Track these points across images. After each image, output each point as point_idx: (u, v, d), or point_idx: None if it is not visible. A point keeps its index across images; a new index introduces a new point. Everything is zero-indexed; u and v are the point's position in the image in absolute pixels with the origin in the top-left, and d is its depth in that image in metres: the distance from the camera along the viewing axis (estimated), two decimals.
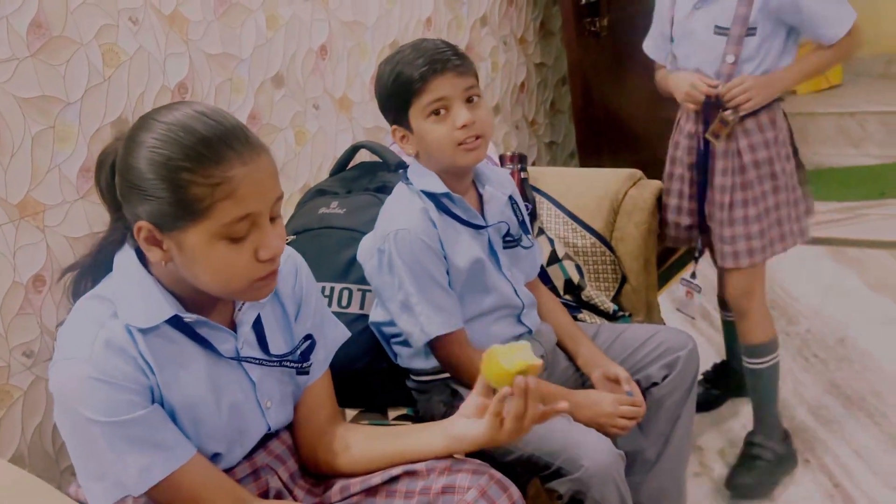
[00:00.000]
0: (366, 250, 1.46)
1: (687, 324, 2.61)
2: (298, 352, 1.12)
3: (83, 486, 0.97)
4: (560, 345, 1.57)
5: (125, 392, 0.94)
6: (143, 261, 1.01)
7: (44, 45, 1.49)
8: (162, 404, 0.99)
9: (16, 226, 1.46)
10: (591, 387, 1.50)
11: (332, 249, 1.58)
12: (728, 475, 1.90)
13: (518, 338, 1.50)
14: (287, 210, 1.82)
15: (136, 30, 1.66)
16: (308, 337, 1.13)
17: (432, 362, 1.45)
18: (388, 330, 1.48)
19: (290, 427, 1.18)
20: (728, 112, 1.70)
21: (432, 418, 1.46)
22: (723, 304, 2.11)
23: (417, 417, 1.53)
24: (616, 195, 1.97)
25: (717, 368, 2.22)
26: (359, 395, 1.58)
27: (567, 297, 1.87)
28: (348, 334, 1.26)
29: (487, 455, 1.21)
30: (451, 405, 1.45)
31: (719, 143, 1.74)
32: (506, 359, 1.03)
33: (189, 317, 1.00)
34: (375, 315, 1.48)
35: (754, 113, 1.73)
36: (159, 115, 0.96)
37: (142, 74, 1.67)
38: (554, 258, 1.89)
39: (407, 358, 1.48)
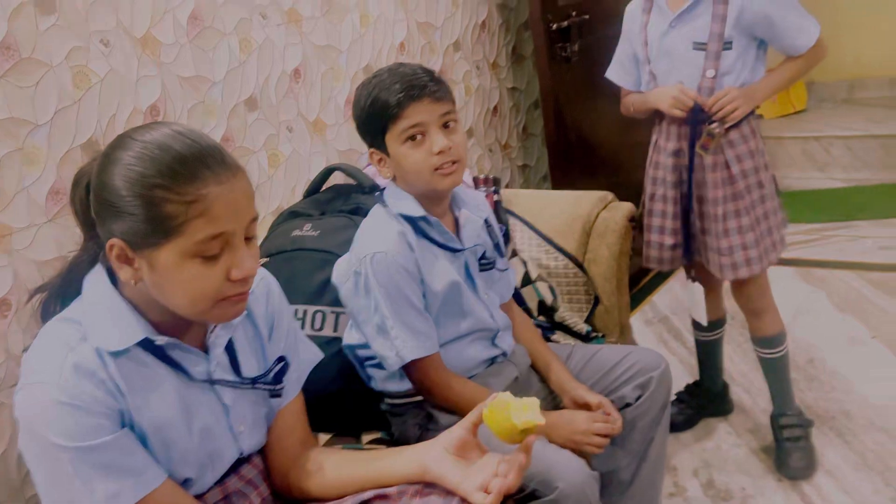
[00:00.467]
0: (341, 272, 1.45)
1: (660, 344, 2.64)
2: (271, 374, 1.10)
3: None
4: (533, 366, 1.57)
5: (94, 416, 0.93)
6: (114, 282, 1.00)
7: (13, 67, 1.48)
8: (132, 428, 0.97)
9: None
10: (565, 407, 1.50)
11: (305, 272, 1.57)
12: (778, 464, 1.97)
13: (493, 359, 1.50)
14: (260, 232, 1.81)
15: (107, 52, 1.65)
16: (281, 359, 1.12)
17: (406, 385, 1.44)
18: (362, 353, 1.47)
19: (263, 451, 1.17)
20: (714, 125, 1.75)
21: (406, 442, 1.45)
22: (697, 324, 2.13)
23: (392, 441, 1.52)
24: (588, 217, 1.99)
25: (690, 388, 2.23)
26: (332, 418, 1.56)
27: (541, 318, 1.87)
28: (321, 355, 1.25)
29: None
30: (425, 428, 1.45)
31: (708, 155, 1.79)
32: (516, 414, 1.02)
33: (160, 339, 0.99)
34: (349, 338, 1.48)
35: (737, 124, 1.78)
36: (136, 133, 0.96)
37: (113, 97, 1.66)
38: (527, 280, 1.90)
39: (381, 381, 1.48)
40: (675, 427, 2.12)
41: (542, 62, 2.64)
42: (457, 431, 1.07)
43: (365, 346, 1.43)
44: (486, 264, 1.50)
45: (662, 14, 1.79)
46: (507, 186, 2.94)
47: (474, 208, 1.51)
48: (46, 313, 1.04)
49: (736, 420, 2.21)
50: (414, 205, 1.40)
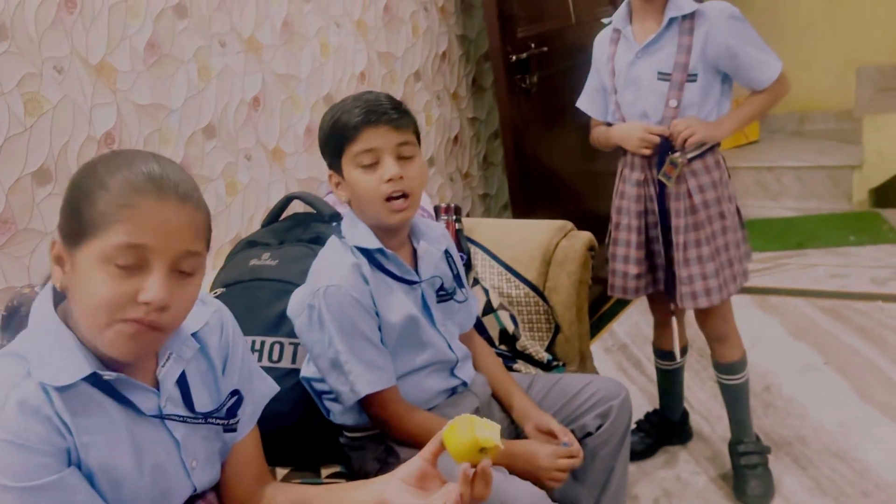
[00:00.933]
0: (296, 305, 1.43)
1: (619, 372, 2.65)
2: (225, 408, 1.08)
3: None
4: (494, 396, 1.57)
5: (39, 455, 0.89)
6: (56, 305, 0.97)
7: None
8: (79, 467, 0.93)
9: None
10: (526, 437, 1.49)
11: (262, 302, 1.54)
12: (736, 491, 1.99)
13: (454, 390, 1.49)
14: (217, 261, 1.78)
15: (60, 79, 1.62)
16: (235, 392, 1.10)
17: (364, 418, 1.42)
18: (319, 386, 1.44)
19: (217, 488, 1.13)
20: (677, 154, 1.79)
21: (366, 475, 1.42)
22: (658, 352, 2.15)
23: (351, 475, 1.49)
24: (548, 246, 2.00)
25: (650, 417, 2.24)
26: (290, 452, 1.53)
27: (502, 347, 1.87)
28: (277, 388, 1.22)
29: None
30: (385, 462, 1.42)
31: (671, 183, 1.82)
32: (480, 431, 1.01)
33: (108, 375, 0.96)
34: (307, 370, 1.45)
35: (701, 155, 1.82)
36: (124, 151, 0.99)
37: (66, 124, 1.63)
38: (489, 308, 1.89)
39: (339, 414, 1.45)
40: (636, 455, 2.12)
41: (501, 93, 2.67)
42: (416, 463, 1.05)
43: (322, 379, 1.41)
44: (444, 296, 1.49)
45: (629, 45, 1.83)
46: (467, 215, 2.95)
47: (433, 239, 1.50)
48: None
49: (695, 448, 2.22)
50: (370, 236, 1.39)
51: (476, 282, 1.98)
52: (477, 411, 1.50)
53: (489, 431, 1.00)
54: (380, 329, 1.38)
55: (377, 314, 1.37)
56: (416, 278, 1.43)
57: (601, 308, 3.10)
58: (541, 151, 2.82)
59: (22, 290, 1.37)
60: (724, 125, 1.82)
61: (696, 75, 1.77)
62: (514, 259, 2.01)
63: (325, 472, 1.55)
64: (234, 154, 2.04)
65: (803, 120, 4.71)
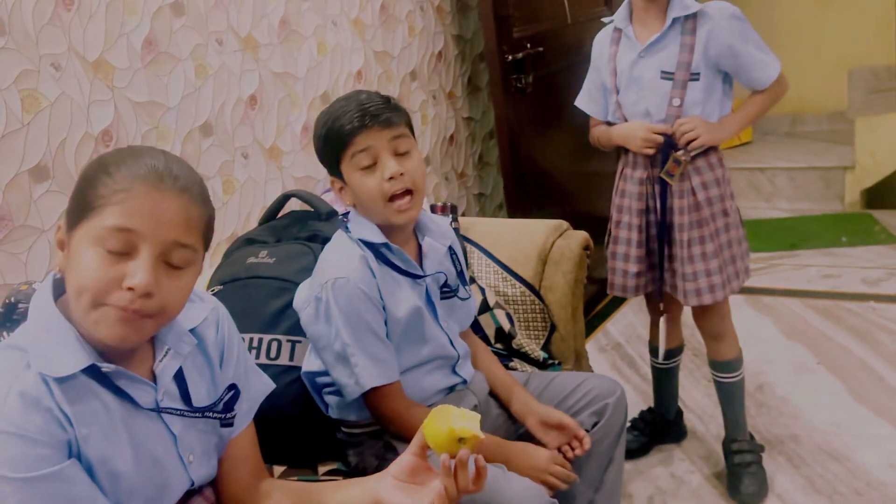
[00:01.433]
0: (302, 298, 1.43)
1: (613, 371, 2.66)
2: (222, 402, 1.08)
3: None
4: (492, 394, 1.57)
5: (39, 446, 0.89)
6: (56, 297, 0.98)
7: None
8: (79, 459, 0.93)
9: None
10: (525, 435, 1.50)
11: (260, 300, 1.54)
12: (730, 490, 2.00)
13: (453, 387, 1.49)
14: (214, 260, 1.79)
15: (58, 76, 1.62)
16: (232, 387, 1.10)
17: (364, 414, 1.42)
18: (320, 380, 1.45)
19: (214, 483, 1.14)
20: (680, 152, 1.81)
21: (364, 472, 1.42)
22: (653, 351, 2.16)
23: (348, 471, 1.49)
24: (544, 245, 2.00)
25: (644, 415, 2.25)
26: (287, 449, 1.53)
27: (498, 345, 1.87)
28: (273, 386, 1.23)
29: None
30: (383, 458, 1.43)
31: (674, 181, 1.84)
32: (455, 420, 1.01)
33: (107, 367, 0.96)
34: (309, 365, 1.45)
35: (704, 152, 1.84)
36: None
37: (63, 121, 1.63)
38: (485, 307, 1.90)
39: (338, 409, 1.45)
40: (630, 454, 2.13)
41: (497, 93, 2.68)
42: (405, 458, 1.06)
43: (324, 373, 1.41)
44: (447, 292, 1.50)
45: (631, 45, 1.84)
46: (463, 215, 2.96)
47: (438, 235, 1.51)
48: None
49: (689, 447, 2.24)
50: (375, 231, 1.39)
51: (472, 280, 1.98)
52: (475, 409, 1.51)
53: (466, 422, 1.01)
54: (385, 323, 1.38)
55: (383, 307, 1.38)
56: (420, 272, 1.44)
57: (596, 307, 3.11)
58: (536, 151, 2.83)
59: (19, 286, 1.38)
60: (727, 126, 1.83)
61: (698, 74, 1.78)
62: (510, 258, 2.01)
63: (322, 469, 1.55)
64: (231, 152, 2.04)
65: (796, 121, 4.73)
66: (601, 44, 1.94)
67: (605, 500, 1.55)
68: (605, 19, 1.96)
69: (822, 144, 4.36)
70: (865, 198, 3.92)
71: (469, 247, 2.05)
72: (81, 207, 0.94)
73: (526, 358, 1.87)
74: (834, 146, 4.26)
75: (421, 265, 1.45)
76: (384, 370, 1.36)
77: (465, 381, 1.51)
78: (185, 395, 1.05)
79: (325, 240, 1.56)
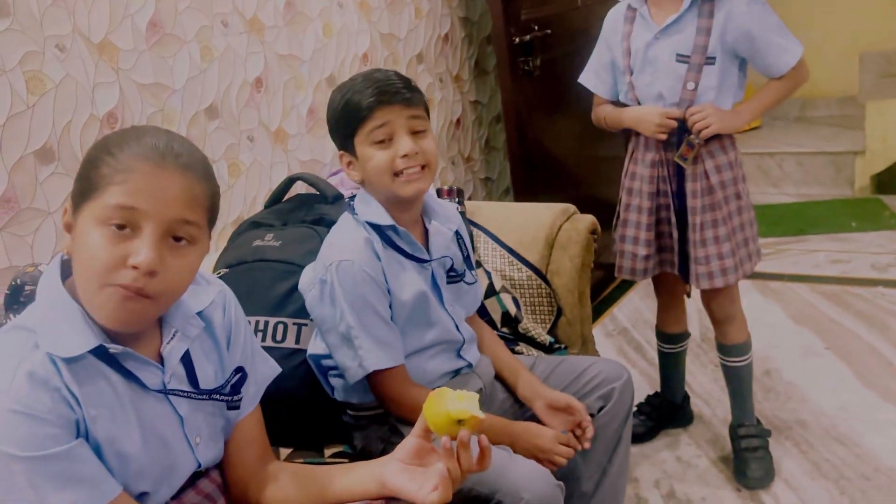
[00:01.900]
0: (307, 280, 1.43)
1: (620, 356, 2.66)
2: (229, 385, 1.08)
3: None
4: (498, 377, 1.57)
5: (48, 426, 0.89)
6: (67, 288, 0.97)
7: None
8: (87, 439, 0.94)
9: None
10: (531, 419, 1.49)
11: (266, 283, 1.54)
12: (736, 474, 1.99)
13: (458, 371, 1.49)
14: (220, 243, 1.78)
15: (63, 57, 1.61)
16: (239, 369, 1.10)
17: (370, 397, 1.42)
18: (326, 362, 1.45)
19: (221, 466, 1.14)
20: (693, 135, 1.79)
21: (370, 455, 1.43)
22: (661, 335, 2.15)
23: (354, 454, 1.50)
24: (551, 229, 1.99)
25: (651, 400, 2.25)
26: (293, 432, 1.53)
27: (504, 329, 1.87)
28: (279, 370, 1.23)
29: None
30: (388, 441, 1.43)
31: (687, 165, 1.82)
32: (452, 403, 1.01)
33: (114, 348, 0.96)
34: (314, 347, 1.45)
35: (718, 136, 1.82)
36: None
37: (69, 103, 1.62)
38: (491, 291, 1.89)
39: (344, 392, 1.45)
40: (636, 438, 2.13)
41: (504, 76, 2.66)
42: (410, 441, 1.06)
43: (329, 356, 1.41)
44: (454, 276, 1.49)
45: (647, 25, 1.81)
46: (469, 199, 2.94)
47: (445, 219, 1.50)
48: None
49: (695, 431, 2.23)
50: (382, 213, 1.39)
51: (479, 264, 1.98)
52: (480, 393, 1.50)
53: (464, 403, 1.00)
54: (390, 306, 1.38)
55: (388, 291, 1.37)
56: (426, 256, 1.43)
57: (603, 292, 3.10)
58: (543, 135, 2.81)
59: (25, 269, 1.38)
60: (741, 114, 1.81)
61: (714, 58, 1.76)
62: (516, 242, 2.00)
63: (328, 451, 1.55)
64: (237, 135, 2.03)
65: (806, 106, 4.69)
66: (614, 22, 1.90)
67: (612, 483, 1.55)
68: None
69: (832, 129, 4.32)
70: (875, 183, 3.89)
71: (475, 231, 2.04)
72: (85, 188, 0.94)
73: (532, 342, 1.86)
74: (844, 131, 4.23)
75: (427, 249, 1.45)
76: (388, 353, 1.36)
77: (470, 365, 1.51)
78: (193, 378, 1.05)
79: (331, 223, 1.55)
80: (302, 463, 1.44)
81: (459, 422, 1.00)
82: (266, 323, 1.50)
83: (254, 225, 1.68)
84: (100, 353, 0.95)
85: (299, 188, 1.76)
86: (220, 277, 1.41)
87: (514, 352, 1.70)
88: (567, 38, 2.81)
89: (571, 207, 2.07)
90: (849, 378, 2.39)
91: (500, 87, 2.71)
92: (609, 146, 2.92)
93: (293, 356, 1.48)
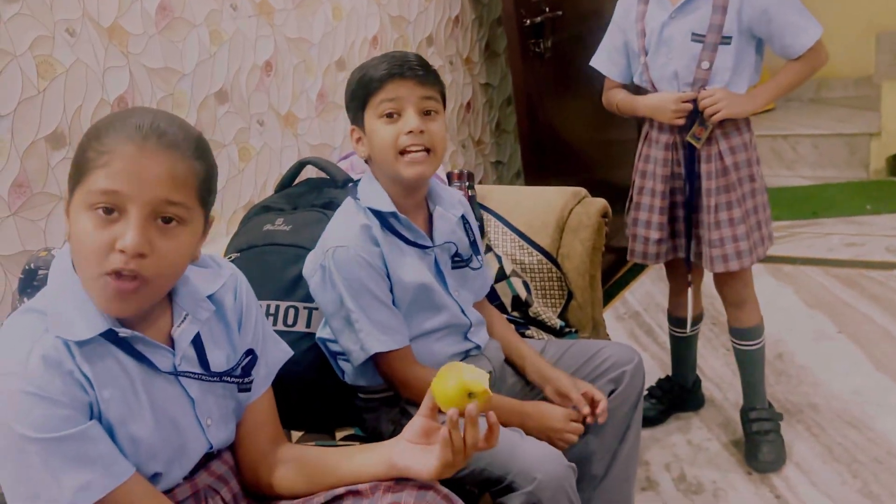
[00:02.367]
0: (310, 266, 1.44)
1: (631, 339, 2.65)
2: (240, 367, 1.09)
3: None
4: (508, 361, 1.57)
5: (62, 407, 0.90)
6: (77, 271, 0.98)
7: None
8: (100, 420, 0.95)
9: None
10: (542, 399, 1.50)
11: (277, 267, 1.55)
12: (748, 457, 1.99)
13: (467, 353, 1.49)
14: (231, 227, 1.79)
15: (73, 42, 1.61)
16: (249, 352, 1.10)
17: (379, 380, 1.43)
18: (334, 346, 1.45)
19: (233, 448, 1.15)
20: (704, 116, 1.77)
21: (380, 437, 1.44)
22: (673, 320, 2.15)
23: (365, 437, 1.50)
24: (562, 213, 1.99)
25: (662, 384, 2.25)
26: (305, 414, 1.54)
27: (514, 313, 1.87)
28: (291, 353, 1.23)
29: None
30: (399, 423, 1.43)
31: (700, 144, 1.81)
32: (467, 374, 1.01)
33: (124, 332, 0.97)
34: (323, 331, 1.46)
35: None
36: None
37: (79, 88, 1.63)
38: (502, 275, 1.89)
39: (354, 375, 1.46)
40: (647, 422, 2.13)
41: (515, 58, 2.64)
42: (417, 421, 1.07)
43: (336, 339, 1.42)
44: (458, 262, 1.49)
45: (662, 5, 1.79)
46: (480, 182, 2.93)
47: (450, 205, 1.49)
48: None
49: (706, 415, 2.23)
50: (384, 199, 1.38)
51: (489, 248, 1.97)
52: (490, 376, 1.50)
53: (477, 375, 1.01)
54: (392, 291, 1.38)
55: (389, 276, 1.37)
56: (428, 243, 1.43)
57: (614, 276, 3.10)
58: (554, 118, 2.79)
59: (38, 253, 1.39)
60: (755, 97, 1.79)
61: (730, 38, 1.73)
62: (527, 226, 2.00)
63: (339, 434, 1.56)
64: (247, 119, 2.03)
65: (821, 87, 4.64)
66: (628, 3, 1.88)
67: (622, 466, 1.55)
68: None
69: (848, 110, 4.27)
70: (891, 165, 3.84)
71: (486, 215, 2.03)
72: (76, 174, 0.94)
73: (543, 326, 1.86)
74: (860, 112, 4.18)
75: (431, 234, 1.44)
76: (390, 335, 1.36)
77: (478, 347, 1.51)
78: (203, 360, 1.06)
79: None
80: (313, 445, 1.45)
81: (470, 395, 1.00)
82: (277, 307, 1.51)
83: (264, 209, 1.69)
84: (110, 336, 0.96)
85: (309, 172, 1.76)
86: (232, 262, 1.41)
87: (524, 336, 1.70)
88: (578, 20, 2.79)
89: (582, 191, 2.06)
90: (862, 362, 2.37)
91: (511, 69, 2.69)
92: (620, 129, 2.90)
93: (304, 339, 1.48)
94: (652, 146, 1.91)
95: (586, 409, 1.44)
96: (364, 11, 2.37)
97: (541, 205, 2.03)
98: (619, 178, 2.76)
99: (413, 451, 1.05)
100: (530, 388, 1.54)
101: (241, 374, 1.09)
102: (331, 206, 1.61)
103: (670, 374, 2.25)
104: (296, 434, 1.62)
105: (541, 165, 2.76)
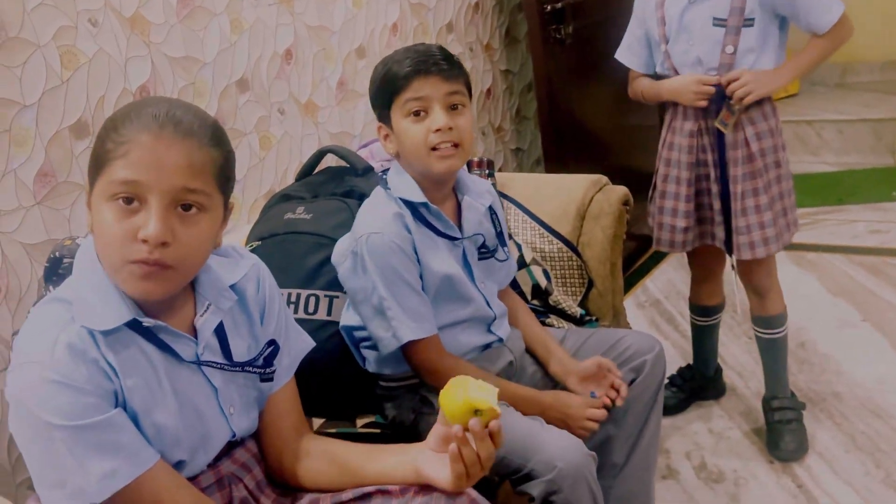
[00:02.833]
0: (340, 252, 1.44)
1: (652, 328, 2.64)
2: (262, 357, 1.09)
3: (41, 496, 0.94)
4: (529, 350, 1.57)
5: (87, 395, 0.92)
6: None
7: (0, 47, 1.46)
8: (124, 409, 0.96)
9: None
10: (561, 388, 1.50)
11: (298, 255, 1.55)
12: (769, 446, 1.98)
13: (489, 345, 1.49)
14: (252, 216, 1.80)
15: (95, 31, 1.62)
16: (272, 342, 1.11)
17: (402, 368, 1.43)
18: (358, 334, 1.46)
19: (256, 436, 1.16)
20: (733, 102, 1.75)
21: (401, 425, 1.45)
22: (695, 308, 2.13)
23: (385, 424, 1.51)
24: (582, 200, 1.98)
25: (683, 372, 2.24)
26: (325, 402, 1.55)
27: (535, 302, 1.87)
28: (313, 344, 1.24)
29: None
30: (419, 412, 1.44)
31: (728, 130, 1.79)
32: (472, 390, 1.00)
33: (148, 321, 0.98)
34: (347, 319, 1.47)
35: (758, 102, 1.78)
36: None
37: (102, 77, 1.64)
38: (521, 263, 1.89)
39: (376, 363, 1.47)
40: (668, 410, 2.11)
41: (535, 44, 2.62)
42: (437, 429, 1.06)
43: (362, 327, 1.42)
44: (485, 253, 1.49)
45: None
46: (500, 170, 2.93)
47: (478, 195, 1.50)
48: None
49: (728, 403, 2.22)
50: (415, 189, 1.39)
51: (509, 237, 1.97)
52: (510, 366, 1.51)
53: (483, 393, 1.00)
54: (421, 277, 1.38)
55: (419, 262, 1.38)
56: (458, 234, 1.43)
57: (635, 263, 3.08)
58: (575, 105, 2.77)
59: (63, 242, 1.41)
60: (781, 75, 1.77)
61: (752, 20, 1.71)
62: (547, 213, 1.99)
63: (360, 421, 1.57)
64: (267, 108, 2.04)
65: (847, 71, 4.56)
66: None
67: (643, 455, 1.55)
68: None
69: (874, 95, 4.20)
70: None
71: (506, 203, 2.03)
72: (95, 165, 0.95)
73: (563, 314, 1.86)
74: (886, 97, 4.11)
75: (459, 225, 1.44)
76: (421, 323, 1.36)
77: (500, 340, 1.51)
78: (226, 350, 1.07)
79: (361, 195, 1.56)
80: (334, 433, 1.46)
81: (476, 412, 0.99)
82: (298, 295, 1.52)
83: (284, 198, 1.69)
84: (135, 325, 0.97)
85: (329, 161, 1.76)
86: (252, 250, 1.42)
87: (544, 324, 1.70)
88: (600, 6, 2.76)
89: (603, 178, 2.05)
90: (886, 350, 2.35)
91: (532, 55, 2.67)
92: (642, 115, 2.87)
93: (325, 328, 1.49)
94: (676, 133, 1.89)
95: (612, 393, 1.44)
96: None
97: (561, 192, 2.02)
98: (640, 165, 2.74)
99: (436, 461, 1.05)
100: (550, 378, 1.54)
101: (264, 364, 1.10)
102: (351, 194, 1.62)
103: (691, 362, 2.23)
104: (317, 421, 1.63)
105: (561, 152, 2.75)
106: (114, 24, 1.66)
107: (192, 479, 1.04)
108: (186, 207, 0.95)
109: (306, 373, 1.23)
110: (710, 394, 2.23)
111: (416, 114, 1.34)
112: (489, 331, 1.49)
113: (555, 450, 1.26)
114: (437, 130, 1.33)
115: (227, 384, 1.07)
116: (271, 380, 1.13)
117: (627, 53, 1.95)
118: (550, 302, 1.88)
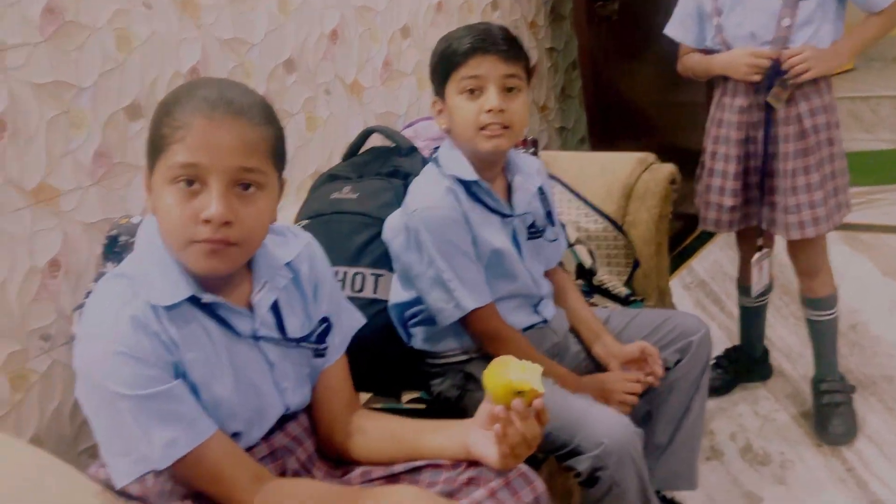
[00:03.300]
0: (392, 228, 1.47)
1: (698, 308, 2.62)
2: (315, 333, 1.12)
3: (107, 463, 0.98)
4: (573, 330, 1.57)
5: (150, 367, 0.96)
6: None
7: (56, 31, 1.50)
8: (185, 381, 1.00)
9: (31, 211, 1.46)
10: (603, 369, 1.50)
11: (344, 234, 1.58)
12: (817, 429, 1.96)
13: (533, 326, 1.50)
14: (300, 195, 1.83)
15: (149, 14, 1.65)
16: (325, 320, 1.14)
17: (446, 345, 1.45)
18: (411, 311, 1.48)
19: (308, 410, 1.19)
20: (788, 77, 1.72)
21: (446, 401, 1.47)
22: (743, 289, 2.10)
23: (430, 400, 1.54)
24: (628, 179, 1.96)
25: (729, 353, 2.22)
26: (371, 378, 1.58)
27: (579, 281, 1.87)
28: (364, 321, 1.27)
29: None
30: (464, 388, 1.46)
31: (780, 106, 1.75)
32: (514, 372, 1.01)
33: (207, 297, 1.01)
34: (396, 296, 1.49)
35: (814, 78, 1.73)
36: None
37: (155, 59, 1.67)
38: (567, 243, 1.88)
39: (421, 341, 1.49)
40: (713, 392, 2.09)
41: (580, 21, 2.59)
42: (483, 408, 1.08)
43: (410, 304, 1.44)
44: (534, 233, 1.49)
45: None
46: (544, 149, 2.91)
47: (529, 175, 1.50)
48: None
49: (774, 385, 2.19)
50: (466, 167, 1.40)
51: None
52: (555, 346, 1.52)
53: (526, 374, 1.00)
54: (475, 245, 1.39)
55: (471, 231, 1.39)
56: (508, 212, 1.44)
57: (681, 243, 3.04)
58: (620, 82, 2.74)
59: (119, 220, 1.45)
60: (839, 52, 1.72)
61: None
62: (592, 193, 1.98)
63: (405, 397, 1.60)
64: (314, 88, 2.06)
65: None
66: None
67: (686, 436, 1.55)
68: None
69: None
70: None
71: (551, 182, 2.02)
72: (153, 150, 0.98)
73: (608, 294, 1.85)
74: None
75: (510, 204, 1.45)
76: (480, 292, 1.38)
77: (545, 321, 1.51)
78: (281, 326, 1.10)
79: (406, 175, 1.57)
80: (381, 409, 1.49)
81: (519, 393, 1.00)
82: (345, 273, 1.54)
83: (331, 178, 1.72)
84: (194, 301, 1.01)
85: (375, 140, 1.78)
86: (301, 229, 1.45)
87: (588, 304, 1.70)
88: None
89: (650, 157, 2.03)
90: None
91: (577, 32, 2.65)
92: (689, 92, 2.82)
93: (371, 305, 1.51)
94: (725, 110, 1.85)
95: (657, 370, 1.44)
96: None
97: (607, 171, 2.01)
98: (686, 142, 2.70)
99: (485, 439, 1.06)
100: (592, 360, 1.54)
101: (317, 340, 1.12)
102: (396, 174, 1.63)
103: (738, 343, 2.21)
104: (364, 396, 1.66)
105: (606, 131, 2.72)
106: (166, 7, 1.69)
107: (247, 450, 1.08)
108: (245, 186, 0.98)
109: (354, 349, 1.26)
110: (756, 376, 2.21)
111: (471, 92, 1.35)
112: (535, 311, 1.50)
113: (601, 426, 1.27)
114: (489, 111, 1.33)
115: (281, 360, 1.10)
116: (324, 356, 1.16)
117: (678, 28, 1.91)
118: (595, 282, 1.87)
